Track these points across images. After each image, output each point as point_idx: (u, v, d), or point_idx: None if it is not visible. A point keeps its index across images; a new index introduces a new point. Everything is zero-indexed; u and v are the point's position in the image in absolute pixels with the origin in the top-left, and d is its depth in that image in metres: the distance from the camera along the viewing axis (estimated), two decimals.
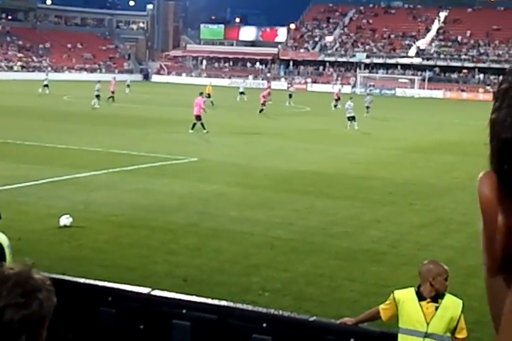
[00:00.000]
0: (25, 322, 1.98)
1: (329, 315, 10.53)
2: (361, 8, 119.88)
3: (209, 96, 53.48)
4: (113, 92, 53.93)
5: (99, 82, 50.82)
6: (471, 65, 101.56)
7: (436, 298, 6.45)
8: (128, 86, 64.70)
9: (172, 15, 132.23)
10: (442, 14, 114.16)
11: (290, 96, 61.29)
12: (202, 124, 33.70)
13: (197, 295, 8.21)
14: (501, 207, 0.58)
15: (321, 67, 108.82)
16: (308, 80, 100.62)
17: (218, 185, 19.82)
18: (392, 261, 13.42)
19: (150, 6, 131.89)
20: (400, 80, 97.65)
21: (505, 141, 0.59)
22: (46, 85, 59.95)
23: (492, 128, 0.59)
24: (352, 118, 39.22)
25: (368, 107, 49.35)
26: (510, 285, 0.58)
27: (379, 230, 15.73)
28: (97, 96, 48.46)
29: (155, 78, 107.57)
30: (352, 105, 39.43)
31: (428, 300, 6.42)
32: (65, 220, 14.40)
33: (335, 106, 55.53)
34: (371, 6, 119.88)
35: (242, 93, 63.54)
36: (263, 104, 48.24)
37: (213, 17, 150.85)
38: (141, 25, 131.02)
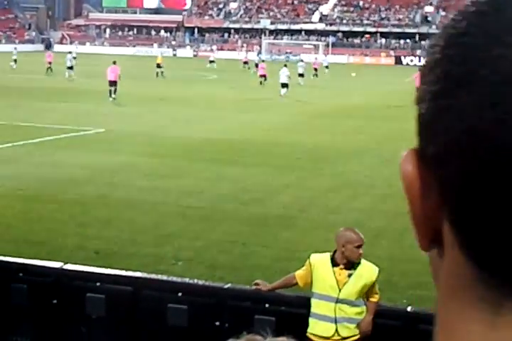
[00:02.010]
0: None
1: (243, 281, 10.63)
2: None
3: (159, 66, 54.52)
4: (50, 63, 54.03)
5: (69, 53, 52.20)
6: (373, 29, 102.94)
7: (350, 265, 6.50)
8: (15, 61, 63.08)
9: None
10: None
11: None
12: (115, 90, 34.98)
13: (110, 268, 8.18)
14: (421, 184, 0.61)
15: (226, 35, 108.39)
16: (214, 48, 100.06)
17: (127, 156, 19.63)
18: (303, 226, 13.62)
19: None
20: (304, 46, 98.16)
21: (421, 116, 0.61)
22: None
23: (416, 104, 0.62)
24: (285, 85, 39.93)
25: (301, 74, 50.75)
26: (442, 257, 0.61)
27: (289, 195, 15.92)
28: (70, 67, 49.52)
29: (57, 48, 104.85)
30: (285, 72, 40.44)
31: (341, 266, 6.49)
32: None
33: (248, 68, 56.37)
34: None
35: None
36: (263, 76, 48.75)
37: None
38: None
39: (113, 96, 35.19)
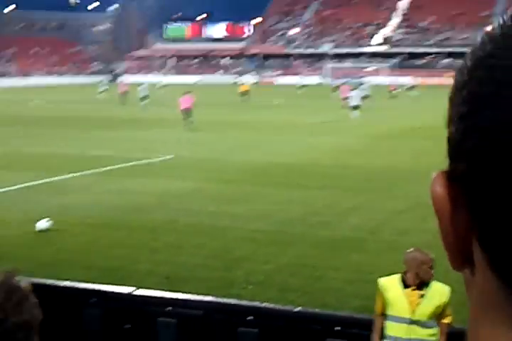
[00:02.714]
0: (17, 330, 1.92)
1: (314, 304, 10.53)
2: None
3: (245, 93, 57.28)
4: (124, 93, 55.29)
5: (141, 85, 52.38)
6: (437, 50, 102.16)
7: (422, 285, 6.43)
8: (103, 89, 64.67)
9: (136, 15, 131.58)
10: (405, 1, 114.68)
11: None
12: (188, 118, 35.86)
13: (181, 292, 8.16)
14: (451, 204, 0.63)
15: (288, 60, 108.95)
16: (276, 73, 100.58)
17: (195, 182, 19.74)
18: (373, 248, 13.43)
19: (114, 7, 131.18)
20: (367, 69, 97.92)
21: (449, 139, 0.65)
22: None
23: (446, 126, 0.66)
24: (355, 107, 40.39)
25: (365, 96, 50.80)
26: (474, 276, 0.65)
27: (358, 218, 15.74)
28: (144, 97, 50.04)
29: (123, 79, 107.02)
30: (357, 94, 41.31)
31: (413, 287, 6.41)
32: (45, 223, 14.25)
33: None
34: None
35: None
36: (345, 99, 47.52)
37: (178, 15, 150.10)
38: (106, 26, 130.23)
39: (187, 123, 35.71)
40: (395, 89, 60.40)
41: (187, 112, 36.38)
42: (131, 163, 23.04)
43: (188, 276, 11.55)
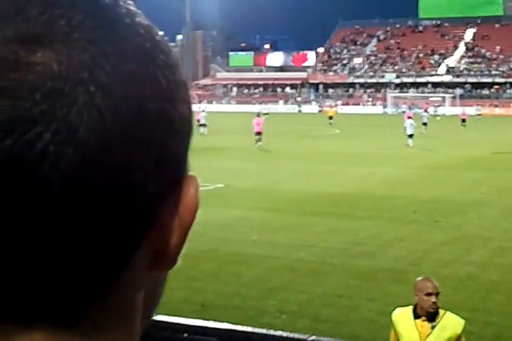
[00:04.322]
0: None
1: (345, 335, 10.50)
2: (388, 28, 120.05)
3: (331, 118, 65.39)
4: (199, 121, 55.92)
5: (203, 111, 54.70)
6: (502, 80, 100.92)
7: (433, 316, 6.35)
8: None
9: (201, 44, 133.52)
10: (470, 31, 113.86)
11: None
12: (260, 139, 40.69)
13: (212, 320, 8.24)
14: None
15: (350, 89, 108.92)
16: (339, 102, 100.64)
17: (241, 210, 19.87)
18: (413, 279, 13.16)
19: (179, 37, 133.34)
20: (430, 99, 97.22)
21: None
22: None
23: None
24: (410, 136, 42.15)
25: (424, 124, 53.76)
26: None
27: (401, 248, 15.63)
28: (203, 125, 51.81)
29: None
30: (412, 123, 42.81)
31: (423, 318, 6.35)
32: None
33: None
34: (398, 26, 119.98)
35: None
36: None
37: (242, 44, 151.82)
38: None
39: (259, 144, 40.11)
40: (464, 120, 60.61)
41: (257, 134, 40.96)
42: None
43: (223, 304, 11.63)
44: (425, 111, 65.83)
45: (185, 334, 7.31)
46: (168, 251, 0.61)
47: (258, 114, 46.08)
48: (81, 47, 0.53)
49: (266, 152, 38.06)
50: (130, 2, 0.59)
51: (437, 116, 77.35)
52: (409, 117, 44.91)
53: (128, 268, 0.56)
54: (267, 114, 74.67)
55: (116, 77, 0.53)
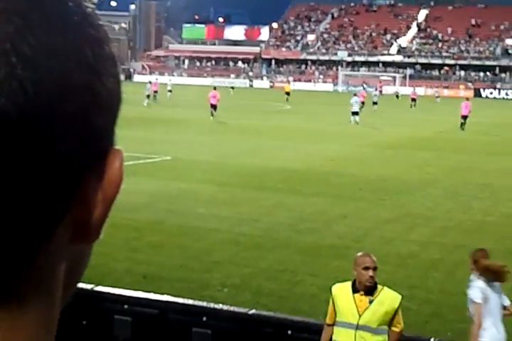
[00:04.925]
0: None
1: (287, 309, 10.58)
2: (343, 6, 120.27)
3: (288, 94, 64.59)
4: (156, 92, 57.77)
5: (149, 82, 55.75)
6: (452, 62, 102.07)
7: (371, 291, 6.44)
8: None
9: (154, 15, 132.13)
10: (423, 12, 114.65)
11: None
12: (212, 113, 42.52)
13: (156, 293, 8.23)
14: None
15: (303, 66, 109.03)
16: (290, 79, 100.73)
17: (188, 183, 19.84)
18: (355, 255, 13.45)
19: (132, 6, 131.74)
20: (381, 78, 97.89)
21: None
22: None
23: None
24: (355, 113, 42.45)
25: (375, 103, 55.09)
26: None
27: (345, 225, 15.79)
28: (148, 95, 52.67)
29: (137, 78, 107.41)
30: (357, 101, 43.14)
31: (361, 292, 6.43)
32: None
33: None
34: (352, 4, 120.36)
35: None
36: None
37: (196, 17, 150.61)
38: (123, 25, 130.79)
39: (213, 116, 42.13)
40: (413, 99, 61.22)
41: (213, 107, 42.78)
42: (128, 163, 23.11)
43: (166, 276, 11.63)
44: (379, 90, 66.87)
45: (126, 306, 7.31)
46: (91, 224, 0.60)
47: (214, 88, 46.94)
48: (5, 18, 0.52)
49: (216, 125, 38.06)
50: None
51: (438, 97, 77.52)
52: (355, 94, 45.37)
53: (50, 241, 0.56)
54: (233, 88, 76.11)
55: (41, 50, 0.53)
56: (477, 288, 7.27)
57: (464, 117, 40.93)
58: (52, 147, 0.53)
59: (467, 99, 44.56)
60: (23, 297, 0.55)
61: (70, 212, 0.57)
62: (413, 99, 61.38)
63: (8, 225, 0.52)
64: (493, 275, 7.22)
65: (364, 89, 68.94)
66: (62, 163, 0.54)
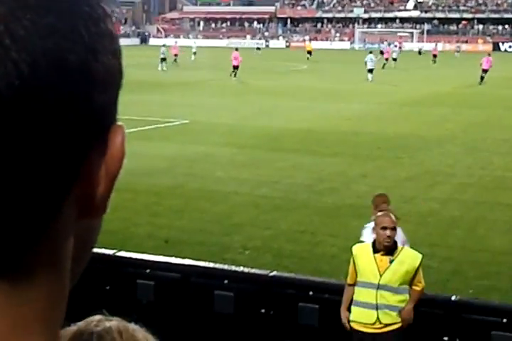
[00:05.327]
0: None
1: (307, 270, 10.66)
2: None
3: (310, 53, 66.17)
4: (176, 55, 57.70)
5: (163, 45, 53.90)
6: (470, 15, 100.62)
7: (391, 250, 6.47)
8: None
9: None
10: None
11: None
12: (235, 73, 43.45)
13: (178, 257, 8.31)
14: None
15: (319, 24, 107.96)
16: (306, 38, 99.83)
17: (207, 146, 19.86)
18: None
19: None
20: (398, 34, 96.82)
21: None
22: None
23: None
24: (370, 71, 42.90)
25: (394, 59, 56.47)
26: None
27: (365, 185, 15.77)
28: (163, 59, 51.51)
29: (152, 41, 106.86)
30: (372, 58, 43.45)
31: (382, 252, 6.46)
32: None
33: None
34: None
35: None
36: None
37: None
38: None
39: (235, 77, 42.78)
40: (435, 55, 61.29)
41: (235, 68, 43.55)
42: (147, 127, 23.13)
43: (187, 240, 11.73)
44: (399, 47, 66.70)
45: (148, 270, 7.40)
46: (96, 200, 0.61)
47: (236, 49, 46.98)
48: None
49: (235, 87, 37.93)
50: None
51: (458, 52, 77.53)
52: (371, 52, 45.51)
53: (58, 217, 0.57)
54: (259, 49, 76.91)
55: (35, 31, 0.52)
56: (368, 229, 7.45)
57: (485, 71, 40.85)
58: (52, 127, 0.53)
59: (489, 54, 44.25)
60: (32, 272, 0.57)
61: (75, 189, 0.58)
62: (434, 55, 61.01)
63: (17, 202, 0.53)
64: None
65: (389, 45, 68.35)
66: (64, 141, 0.55)
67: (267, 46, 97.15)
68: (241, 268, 7.03)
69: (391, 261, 6.43)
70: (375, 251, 6.48)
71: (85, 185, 0.59)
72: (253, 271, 7.09)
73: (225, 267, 7.17)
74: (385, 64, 53.95)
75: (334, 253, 11.28)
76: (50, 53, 0.53)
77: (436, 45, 68.97)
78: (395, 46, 65.69)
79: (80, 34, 0.56)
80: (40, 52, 0.53)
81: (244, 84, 39.81)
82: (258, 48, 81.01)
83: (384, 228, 6.39)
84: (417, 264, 6.48)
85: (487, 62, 41.29)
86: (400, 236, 7.26)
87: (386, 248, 6.43)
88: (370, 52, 45.44)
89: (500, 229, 12.56)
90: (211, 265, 7.27)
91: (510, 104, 30.09)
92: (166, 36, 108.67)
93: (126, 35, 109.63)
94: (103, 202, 0.62)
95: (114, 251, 7.53)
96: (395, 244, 6.53)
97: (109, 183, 0.61)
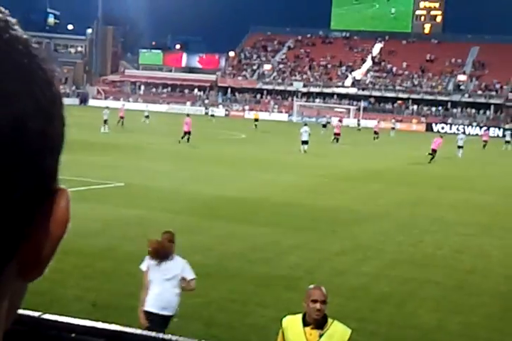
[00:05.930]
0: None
1: (237, 340, 10.55)
2: (299, 37, 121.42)
3: (256, 120, 69.70)
4: (122, 117, 58.01)
5: (107, 107, 54.59)
6: (405, 95, 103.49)
7: (320, 324, 6.44)
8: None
9: (111, 40, 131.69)
10: (378, 45, 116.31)
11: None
12: (188, 138, 44.64)
13: (102, 320, 8.12)
14: None
15: (258, 95, 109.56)
16: (246, 108, 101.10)
17: (142, 210, 19.72)
18: (307, 287, 13.46)
19: (89, 30, 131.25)
20: (336, 109, 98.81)
21: None
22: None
23: None
24: (304, 142, 43.54)
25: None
26: None
27: (297, 256, 15.82)
28: (105, 121, 51.56)
29: (92, 102, 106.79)
30: (307, 130, 44.02)
31: (312, 326, 6.43)
32: None
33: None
34: (309, 35, 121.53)
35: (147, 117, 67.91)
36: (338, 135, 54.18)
37: (153, 43, 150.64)
38: (79, 49, 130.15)
39: (188, 143, 43.65)
40: (376, 132, 62.38)
41: (186, 134, 44.65)
42: (82, 188, 22.86)
43: (116, 305, 11.51)
44: (340, 121, 68.85)
45: (73, 334, 7.20)
46: (37, 263, 0.61)
47: (188, 114, 48.61)
48: None
49: (172, 152, 37.95)
50: (5, 11, 0.58)
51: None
52: (305, 124, 46.74)
53: None
54: (213, 115, 78.26)
55: None
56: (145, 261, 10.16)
57: (434, 151, 42.44)
58: (5, 191, 0.53)
59: (441, 136, 46.12)
60: None
61: (19, 251, 0.57)
62: (375, 132, 62.28)
63: None
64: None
65: (340, 121, 69.47)
66: (12, 205, 0.54)
67: (206, 113, 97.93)
68: (169, 336, 6.85)
69: (320, 336, 6.39)
70: (305, 324, 6.44)
71: (29, 247, 0.59)
72: (181, 339, 6.91)
73: (153, 334, 6.98)
74: (338, 139, 54.18)
75: (264, 324, 11.19)
76: (10, 119, 0.53)
77: (378, 122, 70.62)
78: (339, 121, 67.07)
79: (37, 100, 0.56)
80: (1, 119, 0.52)
81: (183, 150, 39.92)
82: (212, 115, 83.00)
83: (314, 301, 6.37)
84: (346, 339, 6.47)
85: (436, 142, 43.49)
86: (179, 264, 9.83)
87: (316, 321, 6.40)
88: (305, 124, 46.63)
89: (429, 307, 12.65)
90: (138, 331, 7.07)
91: (442, 183, 30.80)
92: (105, 98, 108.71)
93: (66, 95, 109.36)
94: (44, 265, 0.62)
95: (40, 313, 7.30)
96: (324, 318, 6.51)
97: (52, 246, 0.62)
